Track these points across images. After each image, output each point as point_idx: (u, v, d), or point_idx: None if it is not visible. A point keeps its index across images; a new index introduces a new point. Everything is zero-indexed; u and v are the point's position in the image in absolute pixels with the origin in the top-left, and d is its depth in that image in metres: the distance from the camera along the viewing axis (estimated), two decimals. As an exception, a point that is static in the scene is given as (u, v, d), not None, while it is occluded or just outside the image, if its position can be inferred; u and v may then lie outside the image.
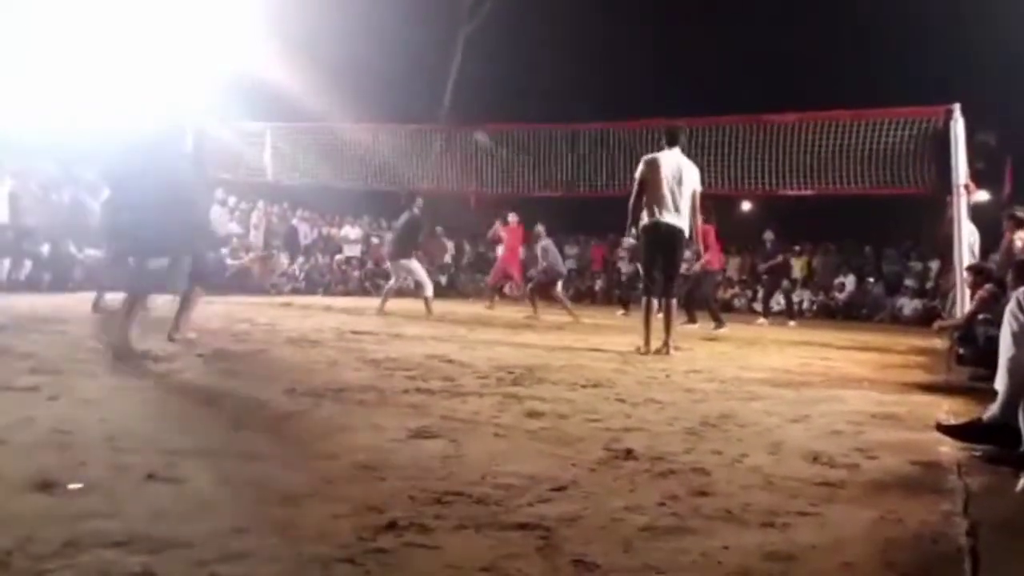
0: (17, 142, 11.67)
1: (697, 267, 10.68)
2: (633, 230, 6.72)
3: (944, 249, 9.01)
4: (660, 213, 6.39)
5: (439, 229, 20.11)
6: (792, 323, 12.79)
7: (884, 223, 18.36)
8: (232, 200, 15.29)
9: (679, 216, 6.44)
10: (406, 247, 10.25)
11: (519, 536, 1.82)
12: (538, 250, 11.79)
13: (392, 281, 10.49)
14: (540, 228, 11.84)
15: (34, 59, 11.54)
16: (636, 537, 1.86)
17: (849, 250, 20.07)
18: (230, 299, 10.28)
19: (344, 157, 12.13)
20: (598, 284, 19.94)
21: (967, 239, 7.88)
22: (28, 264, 11.32)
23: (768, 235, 13.59)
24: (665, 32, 19.91)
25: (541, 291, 11.55)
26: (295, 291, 15.67)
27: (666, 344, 6.41)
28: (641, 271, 6.98)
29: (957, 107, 8.09)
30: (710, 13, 20.21)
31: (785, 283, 14.22)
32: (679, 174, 6.45)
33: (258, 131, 11.82)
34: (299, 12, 14.36)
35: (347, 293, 16.11)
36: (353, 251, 18.47)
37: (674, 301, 6.72)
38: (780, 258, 13.92)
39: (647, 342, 6.41)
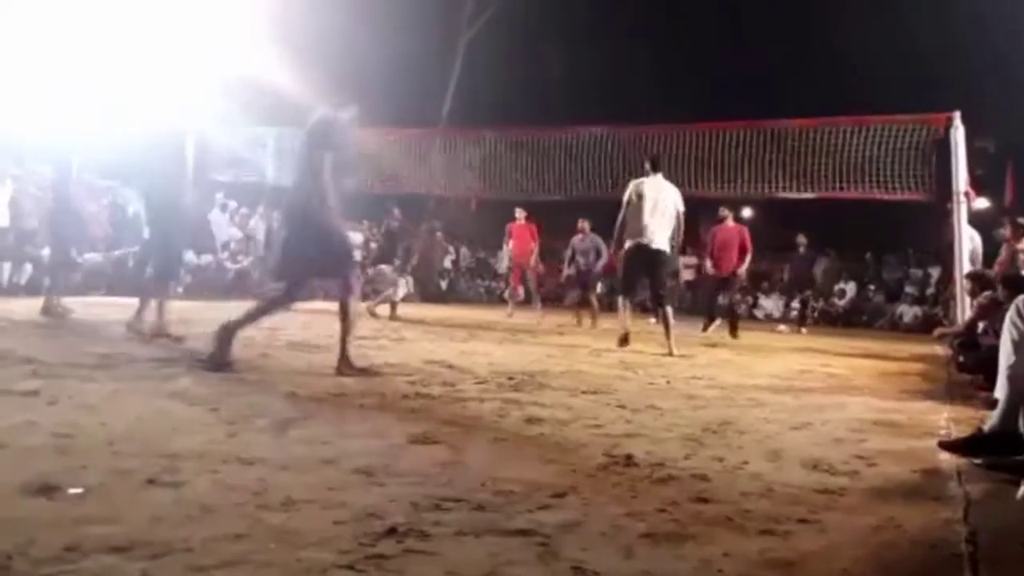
0: (18, 145, 11.67)
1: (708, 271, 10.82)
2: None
3: (947, 255, 9.02)
4: (643, 236, 6.92)
5: (439, 234, 20.07)
6: (803, 331, 12.56)
7: (884, 230, 18.36)
8: (232, 204, 15.30)
9: (660, 239, 6.96)
10: (384, 254, 10.89)
11: (519, 542, 1.82)
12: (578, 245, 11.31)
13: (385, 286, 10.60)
14: (584, 223, 11.30)
15: (35, 62, 11.54)
16: (636, 544, 1.86)
17: (849, 257, 20.05)
18: (231, 303, 10.26)
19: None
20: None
21: (968, 246, 7.89)
22: (29, 268, 11.31)
23: (800, 239, 13.03)
24: (667, 39, 19.94)
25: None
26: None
27: (669, 350, 6.76)
28: (619, 283, 7.87)
29: (957, 115, 8.12)
30: (712, 20, 20.25)
31: (808, 292, 13.91)
32: (663, 199, 7.00)
33: (259, 134, 11.86)
34: (301, 17, 14.40)
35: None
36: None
37: (669, 309, 7.11)
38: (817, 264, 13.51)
39: (625, 334, 7.07)
